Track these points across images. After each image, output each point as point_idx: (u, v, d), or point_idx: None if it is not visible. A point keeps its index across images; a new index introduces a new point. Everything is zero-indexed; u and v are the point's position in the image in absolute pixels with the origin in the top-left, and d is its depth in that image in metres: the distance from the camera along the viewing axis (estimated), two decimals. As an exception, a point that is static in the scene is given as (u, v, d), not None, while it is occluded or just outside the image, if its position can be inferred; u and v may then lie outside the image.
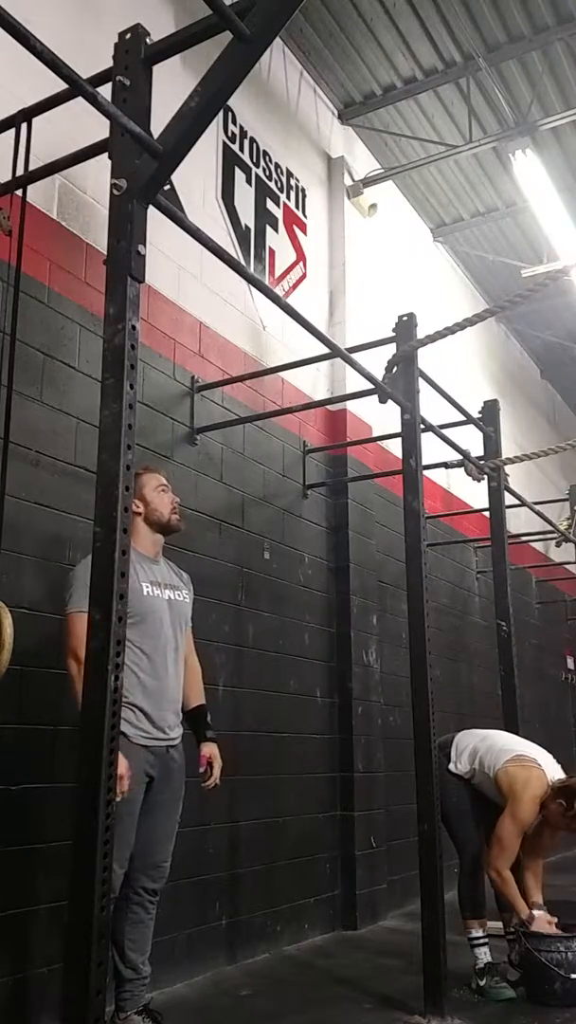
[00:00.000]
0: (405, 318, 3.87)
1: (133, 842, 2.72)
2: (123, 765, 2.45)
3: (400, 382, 3.80)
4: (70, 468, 3.34)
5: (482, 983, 3.43)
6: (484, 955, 3.51)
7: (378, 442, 5.49)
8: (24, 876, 2.90)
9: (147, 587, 2.87)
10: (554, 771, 3.58)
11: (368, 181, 5.99)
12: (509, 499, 5.21)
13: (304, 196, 5.55)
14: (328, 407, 5.28)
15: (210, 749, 3.04)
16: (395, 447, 3.96)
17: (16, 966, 2.84)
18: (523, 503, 5.71)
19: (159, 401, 3.95)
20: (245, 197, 4.91)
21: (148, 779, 2.79)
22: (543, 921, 3.47)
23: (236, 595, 4.26)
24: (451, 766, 3.72)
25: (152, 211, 2.26)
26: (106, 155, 2.27)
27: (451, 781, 3.67)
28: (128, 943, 2.74)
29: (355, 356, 3.64)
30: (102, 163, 2.34)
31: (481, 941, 3.55)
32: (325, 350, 3.59)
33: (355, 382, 4.74)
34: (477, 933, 3.57)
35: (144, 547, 2.95)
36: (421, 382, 3.88)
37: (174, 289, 4.16)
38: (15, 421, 2.59)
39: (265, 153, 5.16)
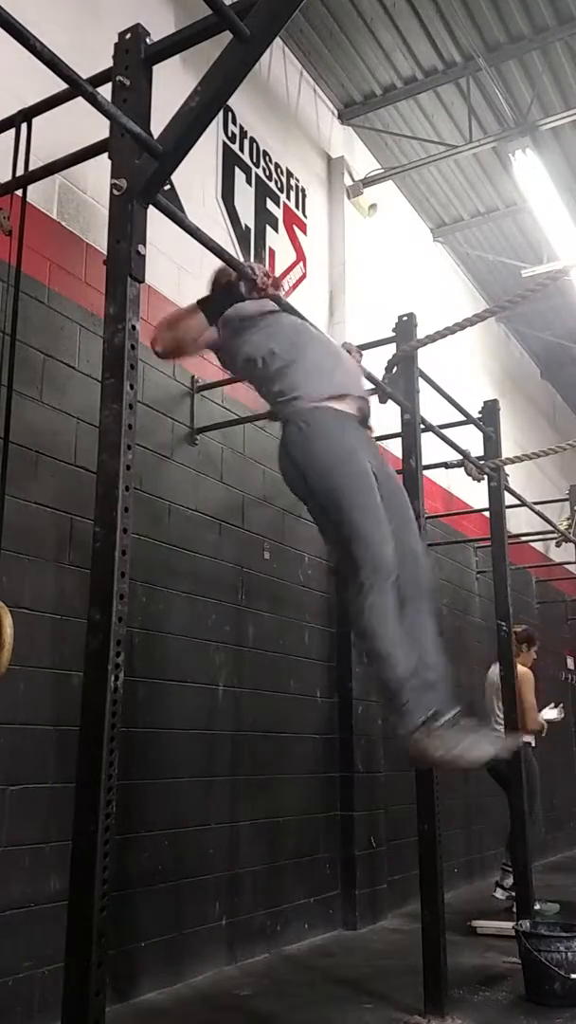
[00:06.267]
0: (405, 318, 3.87)
1: (384, 520, 2.40)
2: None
3: (400, 382, 3.79)
4: (70, 468, 3.34)
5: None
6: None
7: (378, 442, 5.47)
8: (24, 876, 2.90)
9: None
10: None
11: (368, 181, 5.99)
12: (509, 499, 5.20)
13: (304, 196, 5.55)
14: (328, 407, 5.27)
15: None
16: (395, 447, 3.95)
17: (16, 965, 2.84)
18: (523, 503, 5.70)
19: (159, 401, 3.95)
20: (245, 197, 4.91)
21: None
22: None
23: (236, 595, 4.26)
24: None
25: (152, 211, 2.25)
26: (106, 155, 2.26)
27: None
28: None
29: (355, 356, 3.63)
30: (102, 163, 2.34)
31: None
32: (325, 350, 3.58)
33: (355, 382, 4.73)
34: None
35: None
36: (421, 382, 3.88)
37: (174, 289, 4.16)
38: (15, 421, 2.59)
39: (265, 153, 5.16)
